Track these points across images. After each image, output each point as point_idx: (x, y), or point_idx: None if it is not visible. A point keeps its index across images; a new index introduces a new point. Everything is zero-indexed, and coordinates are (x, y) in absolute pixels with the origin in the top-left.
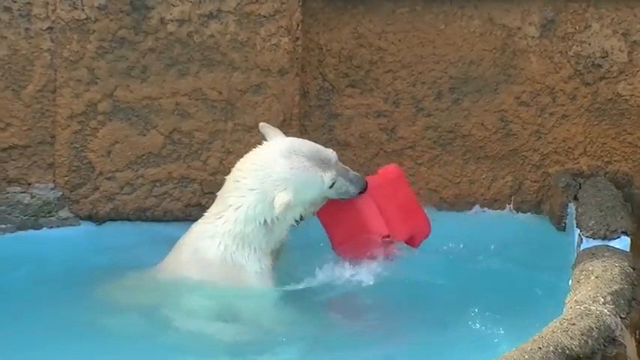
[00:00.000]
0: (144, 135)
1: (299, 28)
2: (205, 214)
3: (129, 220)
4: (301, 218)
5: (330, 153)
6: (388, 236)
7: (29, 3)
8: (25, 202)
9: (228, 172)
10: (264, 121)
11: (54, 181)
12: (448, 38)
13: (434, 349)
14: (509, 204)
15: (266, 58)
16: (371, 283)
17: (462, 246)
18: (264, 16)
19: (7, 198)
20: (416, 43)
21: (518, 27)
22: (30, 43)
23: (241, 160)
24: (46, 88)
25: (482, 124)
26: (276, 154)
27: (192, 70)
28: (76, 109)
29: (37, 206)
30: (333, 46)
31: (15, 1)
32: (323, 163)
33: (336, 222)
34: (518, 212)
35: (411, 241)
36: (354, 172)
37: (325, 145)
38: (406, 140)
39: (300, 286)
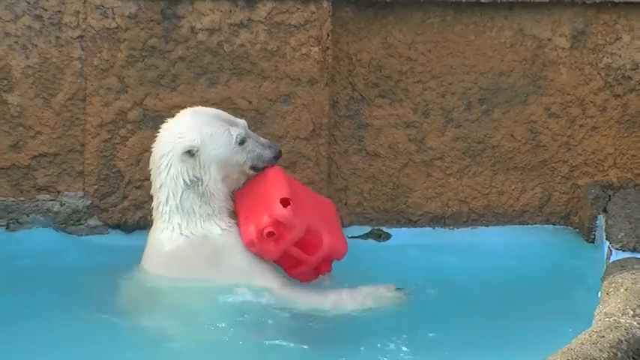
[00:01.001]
0: None
1: (329, 37)
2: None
3: None
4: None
5: (240, 120)
6: (288, 201)
7: (60, 11)
8: (55, 209)
9: None
10: (294, 131)
11: (83, 189)
12: (478, 49)
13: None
14: (538, 215)
15: (296, 67)
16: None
17: (489, 257)
18: (295, 26)
19: (36, 206)
20: (446, 54)
21: (549, 38)
22: (60, 51)
23: None
24: (76, 97)
25: (512, 135)
26: (180, 116)
27: (222, 79)
28: (106, 117)
29: (67, 214)
30: (362, 56)
31: (46, 10)
32: (231, 122)
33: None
34: (547, 224)
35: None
36: (266, 139)
37: (354, 155)
38: (435, 151)
39: None
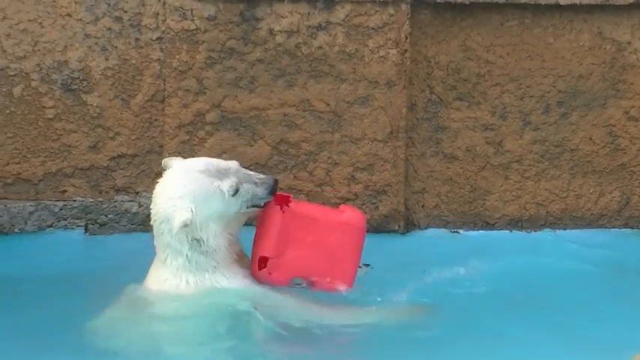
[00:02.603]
0: (251, 145)
1: (407, 40)
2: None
3: None
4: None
5: (230, 163)
6: (265, 262)
7: (139, 13)
8: (133, 210)
9: (334, 184)
10: (371, 133)
11: None
12: (557, 52)
13: None
14: (616, 219)
15: (374, 70)
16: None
17: (567, 261)
18: (373, 28)
19: (115, 207)
20: (524, 57)
21: (628, 41)
22: (140, 52)
23: None
24: (154, 98)
25: (590, 138)
26: (170, 177)
27: (300, 81)
28: (184, 119)
29: (145, 215)
30: (441, 59)
31: (126, 12)
32: (220, 173)
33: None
34: (625, 227)
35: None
36: (260, 175)
37: (431, 157)
38: (513, 154)
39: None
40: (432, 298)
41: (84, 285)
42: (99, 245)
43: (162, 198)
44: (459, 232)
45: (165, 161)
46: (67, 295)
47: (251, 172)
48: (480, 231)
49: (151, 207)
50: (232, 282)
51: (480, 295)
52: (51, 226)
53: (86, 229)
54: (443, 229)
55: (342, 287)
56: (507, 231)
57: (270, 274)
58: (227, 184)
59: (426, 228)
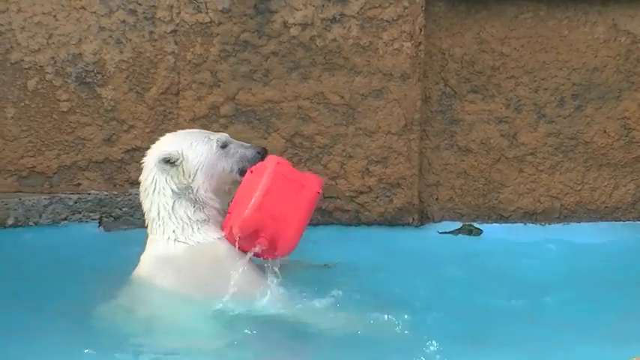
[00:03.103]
0: (265, 138)
1: (421, 32)
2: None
3: None
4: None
5: (221, 133)
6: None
7: (154, 6)
8: None
9: (348, 177)
10: (385, 126)
11: None
12: (571, 44)
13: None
14: (631, 212)
15: (388, 62)
16: None
17: (581, 254)
18: (387, 21)
19: (129, 200)
20: (539, 49)
21: None
22: (154, 45)
23: None
24: (169, 91)
25: (605, 131)
26: (163, 137)
27: (315, 73)
28: (199, 111)
29: None
30: (455, 52)
31: (140, 4)
32: (211, 133)
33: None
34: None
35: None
36: (249, 144)
37: (446, 150)
38: (527, 147)
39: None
40: (437, 294)
41: (97, 276)
42: (113, 238)
43: (149, 156)
44: (473, 225)
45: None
46: (80, 287)
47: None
48: (494, 224)
49: (141, 176)
50: (224, 242)
51: (487, 290)
52: (65, 219)
53: (100, 223)
54: (457, 222)
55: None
56: (522, 224)
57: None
58: (216, 136)
59: (440, 221)
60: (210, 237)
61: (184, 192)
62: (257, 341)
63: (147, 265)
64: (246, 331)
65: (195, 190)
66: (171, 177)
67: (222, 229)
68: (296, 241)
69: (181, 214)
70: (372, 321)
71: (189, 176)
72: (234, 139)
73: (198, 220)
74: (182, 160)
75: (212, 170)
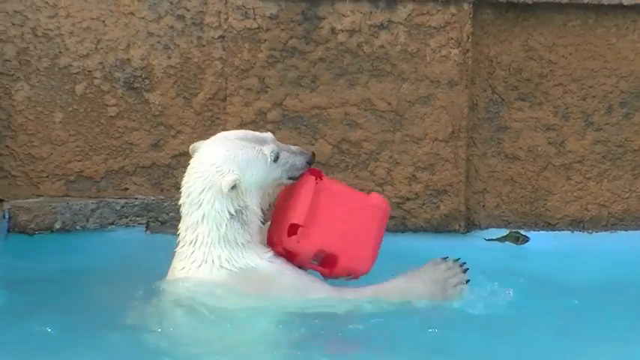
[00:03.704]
0: (312, 144)
1: (469, 40)
2: (178, 249)
3: None
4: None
5: (266, 134)
6: (296, 229)
7: (202, 12)
8: None
9: (395, 183)
10: (433, 132)
11: None
12: (620, 52)
13: None
14: None
15: (435, 69)
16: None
17: (629, 262)
18: (435, 28)
19: (176, 204)
20: (587, 57)
21: None
22: (202, 51)
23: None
24: (216, 96)
25: None
26: (210, 147)
27: (362, 80)
28: (246, 117)
29: None
30: (503, 59)
31: (188, 10)
32: (259, 141)
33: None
34: None
35: (329, 266)
36: (296, 147)
37: (493, 157)
38: (575, 154)
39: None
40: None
41: (143, 281)
42: (159, 243)
43: (201, 167)
44: (520, 233)
45: (192, 146)
46: (124, 291)
47: (288, 145)
48: (541, 231)
49: (183, 182)
50: (264, 262)
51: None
52: (112, 223)
53: (147, 227)
54: (504, 229)
55: (359, 271)
56: (568, 232)
57: (298, 242)
58: (268, 149)
59: (486, 228)
60: (254, 261)
61: (239, 213)
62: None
63: (187, 289)
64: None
65: (248, 209)
66: (232, 200)
67: (268, 242)
68: (368, 260)
69: (230, 239)
70: (411, 323)
71: (246, 195)
72: (281, 144)
73: (242, 244)
74: (242, 181)
75: (264, 183)
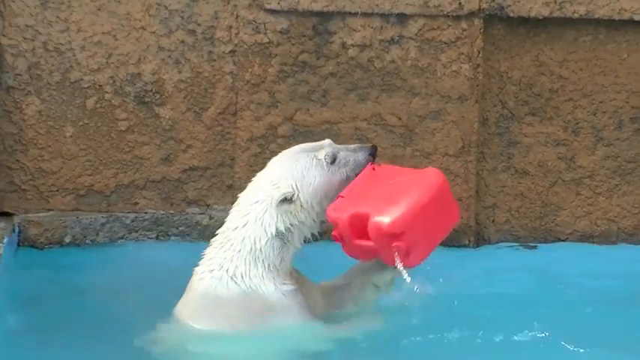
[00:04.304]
0: None
1: (480, 55)
2: (207, 249)
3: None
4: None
5: (325, 140)
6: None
7: (213, 26)
8: (204, 223)
9: None
10: (443, 147)
11: (233, 203)
12: (631, 67)
13: None
14: None
15: (446, 84)
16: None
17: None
18: (446, 43)
19: (186, 219)
20: (597, 72)
21: None
22: (213, 65)
23: None
24: (227, 111)
25: None
26: (270, 164)
27: (372, 95)
28: (256, 132)
29: (216, 228)
30: (513, 74)
31: (199, 25)
32: (314, 148)
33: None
34: None
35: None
36: (354, 144)
37: (503, 172)
38: (585, 169)
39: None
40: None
41: (152, 295)
42: (169, 256)
43: (260, 182)
44: (529, 246)
45: None
46: (133, 306)
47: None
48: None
49: (239, 199)
50: (277, 293)
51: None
52: (122, 237)
53: (157, 241)
54: (514, 244)
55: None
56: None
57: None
58: (322, 153)
59: (496, 243)
60: (266, 285)
61: (287, 232)
62: None
63: (193, 303)
64: None
65: (300, 228)
66: (284, 215)
67: (330, 220)
68: (424, 258)
69: (259, 257)
70: (419, 337)
71: (306, 208)
72: (339, 146)
73: (269, 267)
74: (298, 193)
75: (328, 190)
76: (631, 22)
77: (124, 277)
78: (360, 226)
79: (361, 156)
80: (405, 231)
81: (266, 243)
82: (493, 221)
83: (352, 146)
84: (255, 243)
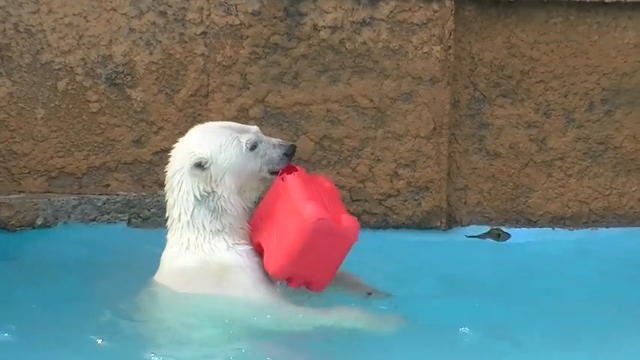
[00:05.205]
0: (294, 140)
1: (451, 36)
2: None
3: None
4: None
5: (252, 126)
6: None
7: (184, 8)
8: None
9: (377, 180)
10: (414, 129)
11: None
12: (601, 49)
13: None
14: None
15: (417, 66)
16: None
17: (609, 260)
18: (417, 24)
19: (158, 201)
20: (568, 54)
21: None
22: (184, 47)
23: None
24: (198, 93)
25: (634, 136)
26: (190, 133)
27: (344, 77)
28: (228, 113)
29: None
30: (484, 56)
31: (170, 6)
32: (240, 130)
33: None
34: None
35: None
36: (279, 140)
37: (474, 154)
38: (556, 151)
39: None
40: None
41: (124, 275)
42: (140, 238)
43: (177, 151)
44: (501, 229)
45: None
46: (104, 285)
47: (271, 138)
48: (522, 228)
49: (165, 169)
50: (231, 252)
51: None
52: (94, 219)
53: (129, 224)
54: (485, 226)
55: (268, 269)
56: (550, 228)
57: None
58: (245, 137)
59: (467, 225)
60: (219, 248)
61: (206, 199)
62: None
63: (162, 274)
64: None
65: (217, 196)
66: (199, 182)
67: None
68: (330, 280)
69: (198, 223)
70: (389, 321)
71: (216, 180)
72: (264, 136)
73: (211, 231)
74: (211, 163)
75: (240, 173)
76: (602, 4)
77: (96, 258)
78: None
79: (276, 154)
80: (291, 276)
81: (193, 211)
82: (465, 203)
83: (274, 140)
84: (186, 213)
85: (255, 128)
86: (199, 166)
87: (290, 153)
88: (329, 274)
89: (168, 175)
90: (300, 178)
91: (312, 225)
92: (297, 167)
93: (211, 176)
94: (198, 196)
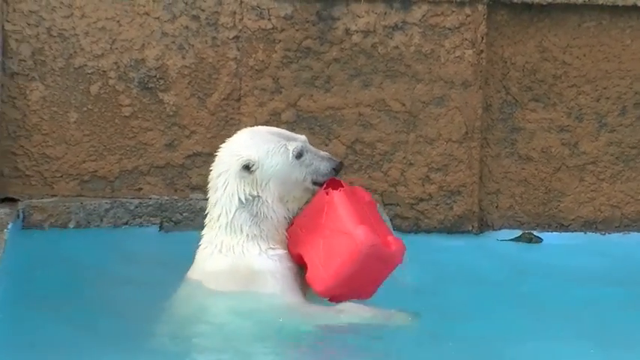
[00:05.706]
0: (326, 145)
1: (483, 40)
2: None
3: None
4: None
5: (301, 135)
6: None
7: (217, 12)
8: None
9: (408, 184)
10: (446, 133)
11: None
12: (634, 53)
13: None
14: None
15: (450, 70)
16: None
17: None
18: (449, 29)
19: (190, 205)
20: (601, 58)
21: None
22: (216, 51)
23: None
24: (230, 97)
25: None
26: (237, 136)
27: (376, 81)
28: (260, 117)
29: None
30: (517, 60)
31: (203, 10)
32: (288, 137)
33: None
34: None
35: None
36: (327, 153)
37: (506, 158)
38: (588, 155)
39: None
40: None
41: (155, 277)
42: (173, 242)
43: (224, 152)
44: (533, 234)
45: None
46: (135, 288)
47: (319, 150)
48: (554, 232)
49: (210, 168)
50: (262, 257)
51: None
52: (126, 223)
53: (161, 227)
54: (517, 230)
55: (314, 288)
56: (582, 232)
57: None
58: (293, 145)
59: (499, 229)
60: (250, 252)
61: (250, 203)
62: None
63: (194, 273)
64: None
65: (262, 201)
66: (244, 185)
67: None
68: (373, 293)
69: (236, 226)
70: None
71: (261, 185)
72: (311, 146)
73: (248, 235)
74: (258, 168)
75: (284, 180)
76: (634, 8)
77: (128, 261)
78: None
79: (323, 166)
80: (336, 294)
81: (235, 213)
82: (497, 207)
83: (322, 153)
84: (227, 215)
85: (303, 137)
86: (247, 168)
87: (338, 168)
88: (370, 292)
89: (213, 175)
90: (346, 195)
91: (364, 250)
92: (342, 182)
93: (257, 181)
94: (243, 199)
